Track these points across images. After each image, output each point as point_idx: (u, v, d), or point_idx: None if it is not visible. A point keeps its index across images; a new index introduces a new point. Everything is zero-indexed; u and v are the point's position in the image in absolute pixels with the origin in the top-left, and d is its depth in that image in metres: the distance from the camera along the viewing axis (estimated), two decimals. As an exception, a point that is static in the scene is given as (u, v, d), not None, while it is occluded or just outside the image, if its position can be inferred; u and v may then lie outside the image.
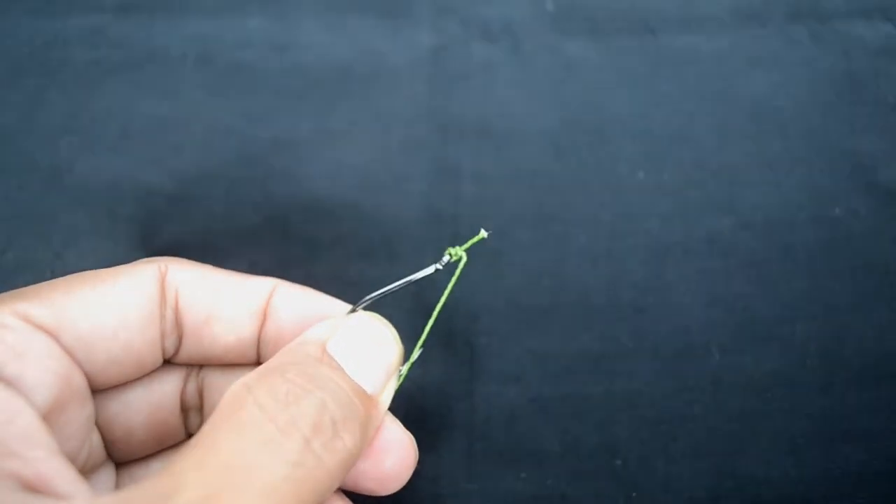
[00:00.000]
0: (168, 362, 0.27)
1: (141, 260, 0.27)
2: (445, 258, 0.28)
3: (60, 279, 0.24)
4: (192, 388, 0.28)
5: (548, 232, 0.34)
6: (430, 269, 0.28)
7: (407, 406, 0.31)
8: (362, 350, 0.25)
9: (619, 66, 0.35)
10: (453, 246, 0.29)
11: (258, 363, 0.27)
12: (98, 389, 0.25)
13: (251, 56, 0.35)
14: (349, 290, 0.32)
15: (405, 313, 0.32)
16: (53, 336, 0.23)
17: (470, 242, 0.28)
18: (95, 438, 0.25)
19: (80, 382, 0.23)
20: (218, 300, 0.27)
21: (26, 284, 0.24)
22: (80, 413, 0.23)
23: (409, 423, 0.31)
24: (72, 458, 0.22)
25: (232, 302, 0.27)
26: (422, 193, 0.34)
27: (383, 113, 0.35)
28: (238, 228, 0.33)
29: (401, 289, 0.28)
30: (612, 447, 0.31)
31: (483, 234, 0.28)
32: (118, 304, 0.24)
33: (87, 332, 0.23)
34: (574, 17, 0.36)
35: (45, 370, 0.22)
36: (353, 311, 0.28)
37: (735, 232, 0.33)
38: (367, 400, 0.24)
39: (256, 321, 0.27)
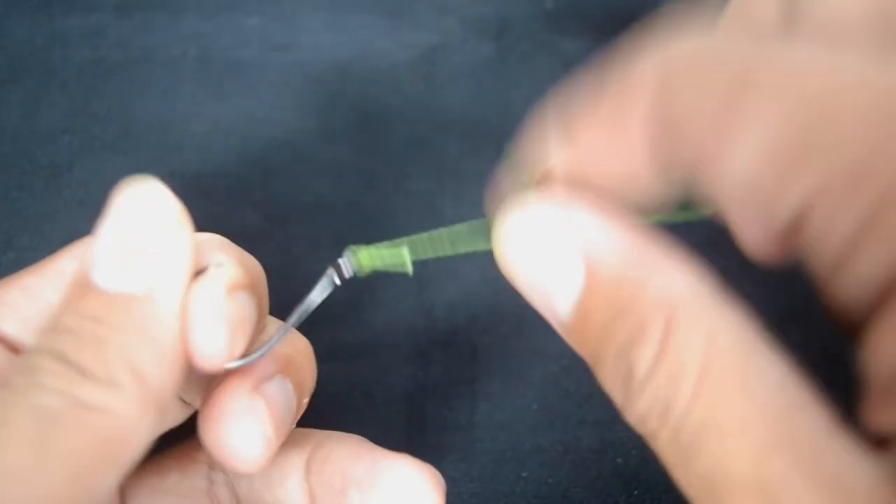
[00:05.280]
0: None
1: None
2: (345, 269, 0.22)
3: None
4: None
5: (548, 231, 0.34)
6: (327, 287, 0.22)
7: (408, 406, 0.31)
8: (120, 247, 0.19)
9: (619, 65, 0.35)
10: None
11: None
12: None
13: (251, 55, 0.35)
14: (349, 290, 0.32)
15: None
16: None
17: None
18: None
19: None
20: None
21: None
22: None
23: (409, 423, 0.31)
24: None
25: None
26: (422, 193, 0.34)
27: (383, 112, 0.35)
28: (238, 228, 0.33)
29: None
30: (614, 445, 0.31)
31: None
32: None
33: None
34: (573, 15, 0.36)
35: None
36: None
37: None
38: (136, 304, 0.18)
39: None
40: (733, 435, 0.14)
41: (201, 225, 0.34)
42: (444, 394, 0.32)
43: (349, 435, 0.26)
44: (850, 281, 0.14)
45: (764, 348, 0.15)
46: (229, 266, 0.21)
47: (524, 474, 0.31)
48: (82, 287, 0.19)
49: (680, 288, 0.16)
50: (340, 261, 0.22)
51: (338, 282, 0.22)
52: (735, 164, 0.15)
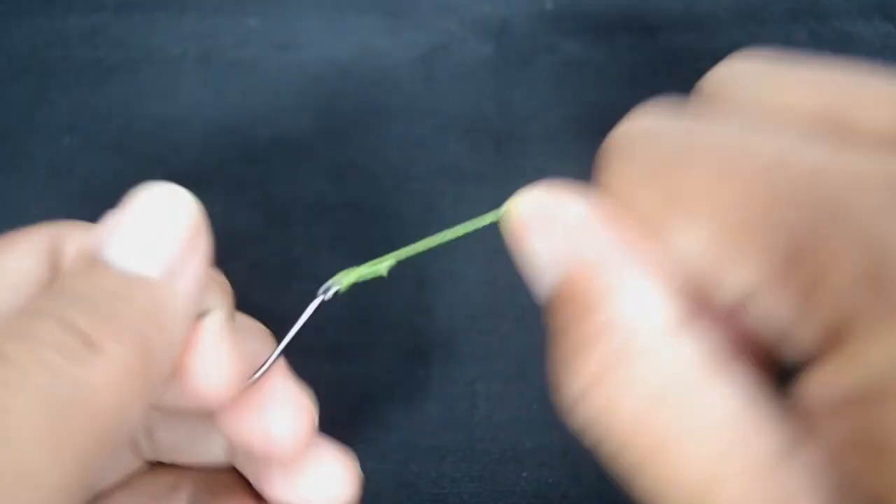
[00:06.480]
0: None
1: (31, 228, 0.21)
2: (333, 288, 0.23)
3: None
4: None
5: (548, 231, 0.34)
6: (315, 303, 0.23)
7: (408, 406, 0.31)
8: (141, 233, 0.19)
9: (619, 65, 0.35)
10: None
11: None
12: None
13: (251, 55, 0.35)
14: (350, 290, 0.32)
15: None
16: None
17: (368, 271, 0.23)
18: None
19: None
20: None
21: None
22: None
23: (410, 423, 0.31)
24: None
25: None
26: (422, 193, 0.34)
27: (383, 112, 0.35)
28: (238, 228, 0.33)
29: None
30: (613, 446, 0.31)
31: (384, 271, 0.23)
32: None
33: None
34: (573, 15, 0.36)
35: None
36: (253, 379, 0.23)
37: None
38: (149, 287, 0.18)
39: None
40: (672, 482, 0.15)
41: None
42: (444, 394, 0.32)
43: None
44: (789, 346, 0.15)
45: (714, 382, 0.15)
46: (222, 307, 0.21)
47: (524, 474, 0.31)
48: (90, 264, 0.18)
49: (636, 313, 0.16)
50: (327, 285, 0.23)
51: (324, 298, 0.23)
52: (680, 249, 0.16)
